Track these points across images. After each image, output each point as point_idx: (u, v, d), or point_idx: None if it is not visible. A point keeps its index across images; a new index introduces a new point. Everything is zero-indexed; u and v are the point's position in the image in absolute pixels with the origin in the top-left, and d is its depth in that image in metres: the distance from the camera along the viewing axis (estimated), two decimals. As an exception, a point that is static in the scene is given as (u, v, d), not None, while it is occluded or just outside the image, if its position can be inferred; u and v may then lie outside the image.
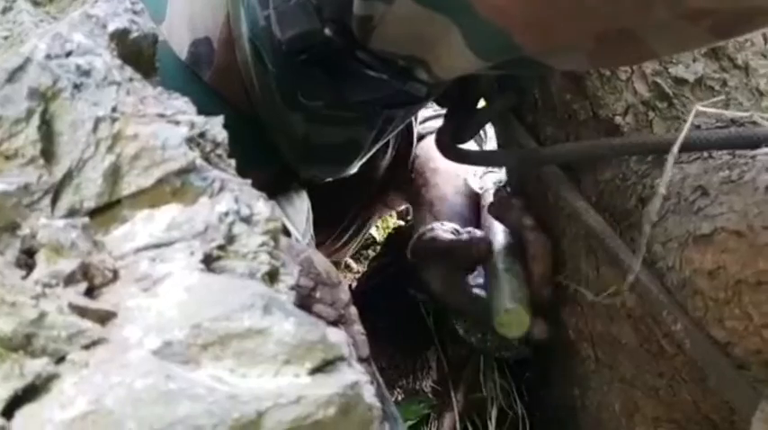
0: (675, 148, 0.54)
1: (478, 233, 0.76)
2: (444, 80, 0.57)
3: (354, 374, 0.34)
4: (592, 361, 0.70)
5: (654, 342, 0.60)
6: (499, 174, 0.91)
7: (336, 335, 0.36)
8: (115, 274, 0.37)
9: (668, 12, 0.39)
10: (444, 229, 0.78)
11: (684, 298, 0.50)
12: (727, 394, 0.47)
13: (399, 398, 0.92)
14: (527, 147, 0.69)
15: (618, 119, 0.63)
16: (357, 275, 1.39)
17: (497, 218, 0.76)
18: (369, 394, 0.35)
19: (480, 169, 0.94)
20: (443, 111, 0.98)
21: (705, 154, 0.56)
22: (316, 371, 0.33)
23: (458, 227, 0.78)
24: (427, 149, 1.00)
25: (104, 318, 0.34)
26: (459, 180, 0.93)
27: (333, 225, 1.04)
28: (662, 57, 0.58)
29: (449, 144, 0.74)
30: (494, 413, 0.86)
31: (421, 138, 1.03)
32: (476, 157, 0.77)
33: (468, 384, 0.90)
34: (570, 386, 0.77)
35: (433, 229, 0.78)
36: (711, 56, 0.60)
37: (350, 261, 1.47)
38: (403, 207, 1.20)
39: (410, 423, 0.88)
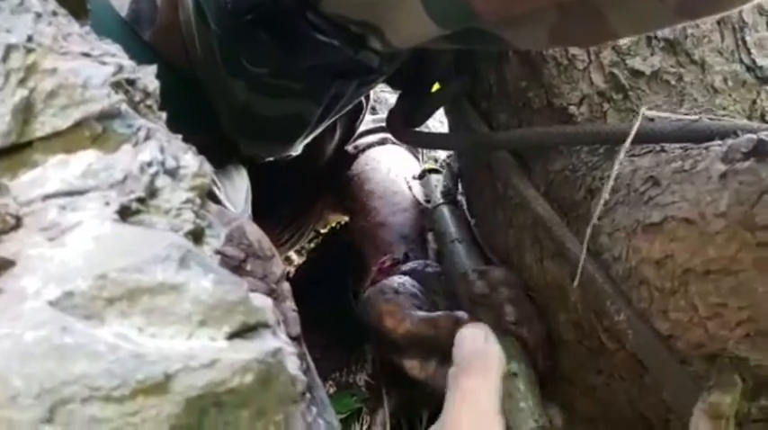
0: (628, 141, 0.52)
1: (453, 314, 0.66)
2: (398, 49, 0.55)
3: (278, 342, 0.31)
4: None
5: (594, 338, 0.58)
6: (444, 179, 0.89)
7: (261, 300, 0.33)
8: (18, 221, 0.33)
9: None
10: (404, 297, 0.69)
11: (630, 288, 0.48)
12: (667, 388, 0.46)
13: (331, 390, 0.89)
14: (479, 131, 0.67)
15: (572, 108, 0.61)
16: (295, 266, 1.36)
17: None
18: (293, 366, 0.32)
19: (417, 170, 0.92)
20: (380, 125, 0.96)
21: (657, 147, 0.54)
22: (234, 335, 0.30)
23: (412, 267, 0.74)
24: (361, 170, 0.98)
25: (1, 266, 0.30)
26: (396, 196, 0.90)
27: (270, 216, 1.00)
28: (622, 37, 0.56)
29: (401, 126, 0.71)
30: (425, 411, 0.83)
31: (355, 157, 1.01)
32: (427, 139, 0.75)
33: (402, 380, 0.87)
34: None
35: (394, 301, 0.69)
36: (669, 50, 0.59)
37: (291, 253, 1.44)
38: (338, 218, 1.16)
39: (341, 417, 0.85)
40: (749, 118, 0.57)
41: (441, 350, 0.65)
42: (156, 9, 0.63)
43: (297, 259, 1.45)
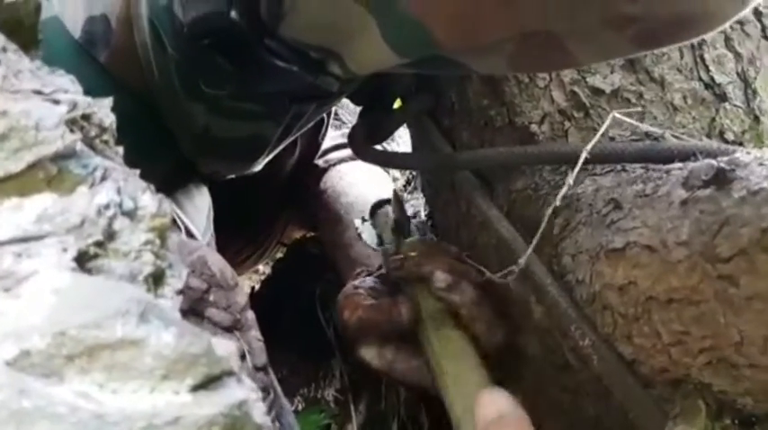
0: (589, 147, 0.53)
1: (393, 298, 0.66)
2: (358, 75, 0.55)
3: (242, 391, 0.31)
4: (495, 372, 0.69)
5: (559, 355, 0.59)
6: (415, 203, 0.88)
7: (224, 347, 0.33)
8: (-29, 270, 0.32)
9: (596, 15, 0.38)
10: (363, 290, 0.69)
11: (593, 312, 0.49)
12: (632, 412, 0.46)
13: (300, 407, 0.89)
14: (442, 151, 0.67)
15: (534, 127, 0.62)
16: (263, 277, 1.34)
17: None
18: (258, 413, 0.32)
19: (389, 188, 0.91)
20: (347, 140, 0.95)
21: (619, 167, 0.55)
22: (198, 387, 0.30)
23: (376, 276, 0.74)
24: (335, 183, 0.97)
25: (-49, 320, 0.29)
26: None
27: (233, 233, 0.98)
28: (582, 65, 0.57)
29: (362, 143, 0.71)
30: (395, 426, 0.83)
31: (325, 170, 1.00)
32: (389, 159, 0.74)
33: (372, 394, 0.87)
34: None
35: (352, 295, 0.69)
36: (629, 68, 0.60)
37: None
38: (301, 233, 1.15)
39: (310, 433, 0.85)
40: (708, 136, 0.58)
41: (392, 334, 0.65)
42: (110, 31, 0.62)
43: (262, 268, 1.43)
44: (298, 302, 0.96)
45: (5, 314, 0.29)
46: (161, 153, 0.66)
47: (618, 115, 0.53)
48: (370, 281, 0.71)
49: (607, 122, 0.52)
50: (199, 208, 0.75)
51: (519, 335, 0.64)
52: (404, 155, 0.86)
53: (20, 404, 0.25)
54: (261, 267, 1.42)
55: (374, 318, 0.65)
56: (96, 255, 0.34)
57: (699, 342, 0.40)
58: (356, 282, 0.70)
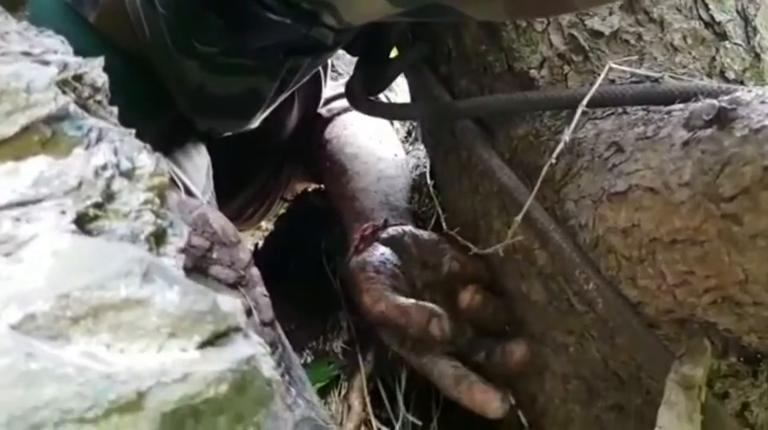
0: (585, 101, 0.52)
1: (425, 307, 0.65)
2: (353, 26, 0.53)
3: (250, 347, 0.31)
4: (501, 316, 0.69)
5: (564, 299, 0.59)
6: (416, 155, 0.87)
7: (230, 303, 0.33)
8: (-29, 236, 0.32)
9: None
10: (383, 276, 0.69)
11: (597, 257, 0.49)
12: (638, 353, 0.47)
13: (309, 359, 0.89)
14: (441, 99, 0.66)
15: (533, 72, 0.61)
16: (266, 233, 1.34)
17: None
18: (267, 367, 0.32)
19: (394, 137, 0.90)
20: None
21: (620, 109, 0.54)
22: (206, 344, 0.30)
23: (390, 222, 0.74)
24: (339, 133, 0.94)
25: (-45, 287, 0.29)
26: (381, 162, 0.87)
27: (235, 191, 0.98)
28: (579, 9, 0.56)
29: (360, 95, 0.70)
30: (404, 373, 0.84)
31: (329, 120, 0.98)
32: (388, 110, 0.74)
33: (379, 344, 0.88)
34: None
35: (371, 280, 0.69)
36: (627, 9, 0.59)
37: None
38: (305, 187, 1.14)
39: (319, 385, 0.86)
40: (709, 75, 0.57)
41: (411, 338, 0.66)
42: None
43: (264, 224, 1.43)
44: (303, 256, 0.96)
45: (8, 278, 0.29)
46: (156, 112, 0.66)
47: (614, 65, 0.52)
48: (389, 263, 0.70)
49: (604, 73, 0.51)
50: (197, 166, 0.74)
51: (522, 282, 0.64)
52: (402, 105, 0.85)
53: (28, 366, 0.26)
54: (264, 224, 1.42)
55: (397, 320, 0.66)
56: (96, 217, 0.34)
57: (703, 281, 0.40)
58: (375, 262, 0.70)
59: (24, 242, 0.31)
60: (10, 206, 0.33)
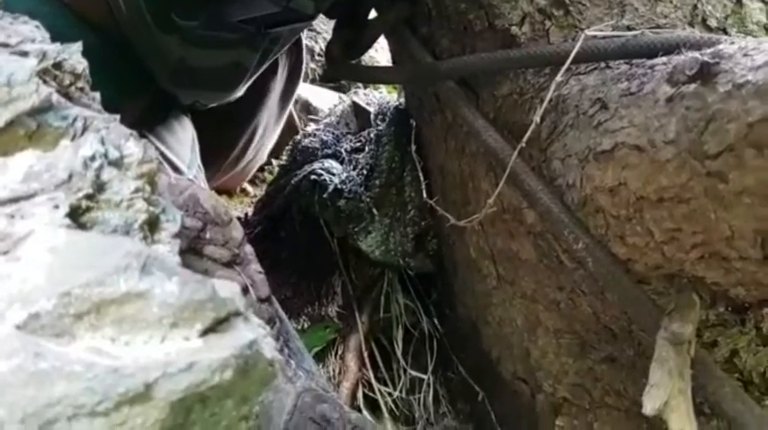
0: (569, 60, 0.52)
1: None
2: (333, -7, 0.53)
3: (251, 330, 0.32)
4: (493, 277, 0.70)
5: (554, 257, 0.60)
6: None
7: (228, 288, 0.33)
8: (-35, 235, 0.33)
9: None
10: None
11: (586, 215, 0.49)
12: (628, 308, 0.48)
13: (305, 325, 0.91)
14: (422, 61, 0.66)
15: (514, 29, 0.60)
16: (254, 200, 1.34)
17: None
18: (268, 348, 0.33)
19: None
20: None
21: (602, 64, 0.54)
22: (208, 331, 0.30)
23: None
24: None
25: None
26: None
27: (225, 155, 0.97)
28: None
29: (340, 59, 0.69)
30: (399, 332, 0.86)
31: None
32: (369, 74, 0.73)
33: (373, 305, 0.89)
34: (473, 303, 0.77)
35: None
36: (607, -39, 0.58)
37: (245, 185, 1.41)
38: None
39: (316, 349, 0.87)
40: (691, 24, 0.57)
41: None
42: None
43: (252, 190, 1.42)
44: (293, 223, 0.96)
45: (8, 277, 0.29)
46: (136, 89, 0.65)
47: (590, 32, 0.51)
48: None
49: (579, 43, 0.51)
50: (181, 140, 0.74)
51: (512, 241, 0.64)
52: (384, 68, 0.85)
53: (37, 366, 0.26)
54: (251, 189, 1.41)
55: None
56: (88, 209, 0.34)
57: (691, 238, 0.41)
58: None
59: (21, 239, 0.31)
60: (2, 203, 0.33)
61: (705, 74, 0.40)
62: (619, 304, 0.49)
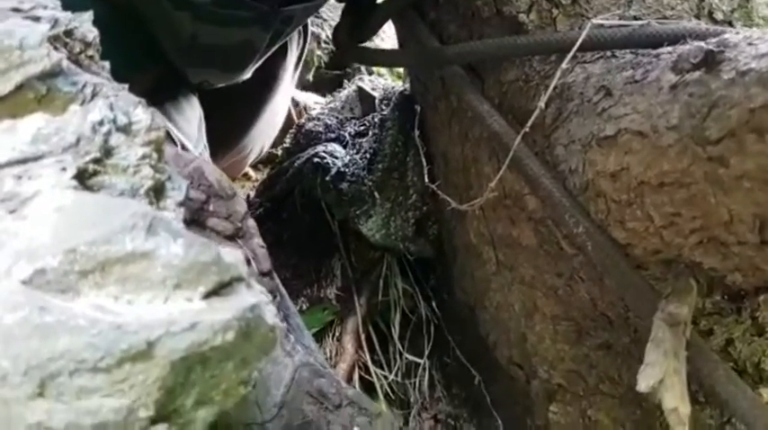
0: (575, 47, 0.52)
1: None
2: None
3: (253, 296, 0.32)
4: (493, 263, 0.71)
5: (554, 243, 0.60)
6: None
7: (232, 255, 0.34)
8: (-27, 194, 0.33)
9: None
10: None
11: (587, 200, 0.50)
12: (626, 293, 0.48)
13: (304, 307, 0.91)
14: (429, 45, 0.66)
15: (522, 16, 0.61)
16: (256, 184, 1.34)
17: None
18: (270, 314, 0.33)
19: None
20: None
21: (608, 53, 0.55)
22: (211, 294, 0.31)
23: None
24: None
25: (-38, 243, 0.30)
26: None
27: (231, 140, 0.97)
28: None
29: (347, 42, 0.70)
30: (397, 316, 0.86)
31: None
32: (376, 57, 0.73)
33: (372, 289, 0.90)
34: (472, 288, 0.78)
35: None
36: (616, -50, 0.58)
37: (248, 169, 1.42)
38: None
39: (314, 330, 0.88)
40: (697, 16, 0.57)
41: None
42: None
43: (254, 175, 1.43)
44: (295, 206, 0.97)
45: (15, 235, 0.30)
46: (145, 63, 0.65)
47: (596, 21, 0.52)
48: None
49: (585, 31, 0.51)
50: (189, 119, 0.74)
51: (513, 227, 0.65)
52: (391, 51, 0.85)
53: (42, 319, 0.27)
54: (253, 174, 1.41)
55: None
56: (96, 172, 0.34)
57: (690, 222, 0.41)
58: None
59: (28, 199, 0.32)
60: (10, 164, 0.33)
61: (710, 62, 0.40)
62: (617, 289, 0.50)
